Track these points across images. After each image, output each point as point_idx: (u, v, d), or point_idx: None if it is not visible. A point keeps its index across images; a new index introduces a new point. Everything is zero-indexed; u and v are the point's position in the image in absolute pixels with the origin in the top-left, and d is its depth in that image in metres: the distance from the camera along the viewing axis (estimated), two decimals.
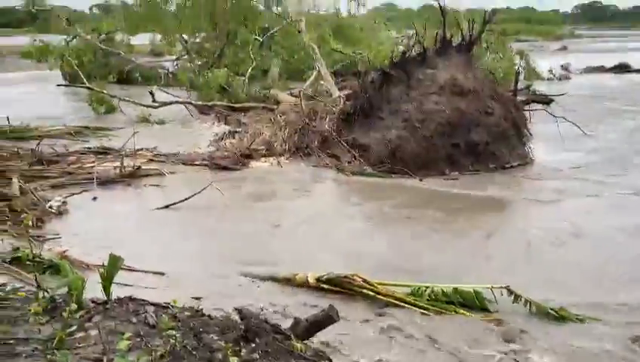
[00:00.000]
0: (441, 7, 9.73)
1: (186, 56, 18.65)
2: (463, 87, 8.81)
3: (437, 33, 9.56)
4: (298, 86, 15.23)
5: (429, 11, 19.60)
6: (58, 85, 15.46)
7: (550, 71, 21.56)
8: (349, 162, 8.83)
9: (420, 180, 8.26)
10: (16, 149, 8.65)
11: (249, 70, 14.68)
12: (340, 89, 12.53)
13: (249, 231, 6.25)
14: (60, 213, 6.62)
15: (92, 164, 8.50)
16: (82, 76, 13.82)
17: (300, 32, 14.64)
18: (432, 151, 8.54)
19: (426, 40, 9.83)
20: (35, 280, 3.51)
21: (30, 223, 6.09)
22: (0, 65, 27.83)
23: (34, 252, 4.80)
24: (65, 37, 19.27)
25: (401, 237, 6.20)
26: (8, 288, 3.34)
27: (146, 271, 4.92)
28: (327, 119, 10.06)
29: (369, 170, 8.55)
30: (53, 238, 5.81)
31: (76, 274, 3.22)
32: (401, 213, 7.00)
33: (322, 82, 13.31)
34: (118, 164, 8.26)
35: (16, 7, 79.81)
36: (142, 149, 9.30)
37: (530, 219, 7.03)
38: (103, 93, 13.48)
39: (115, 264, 3.10)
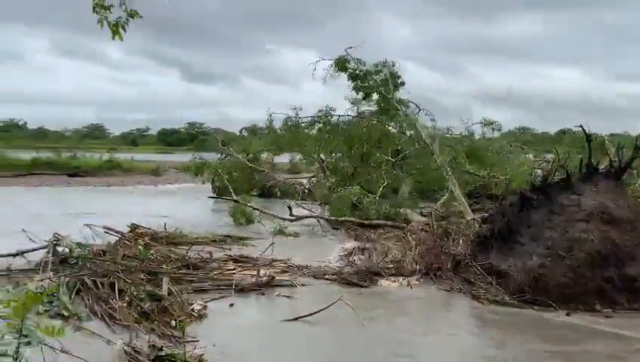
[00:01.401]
0: (585, 132, 9.38)
1: (321, 174, 19.78)
2: (614, 216, 8.13)
3: (581, 158, 9.14)
4: (428, 206, 15.23)
5: (566, 136, 18.93)
6: (209, 197, 17.15)
7: None
8: (485, 289, 8.34)
9: (567, 314, 7.48)
10: (169, 253, 9.52)
11: (380, 188, 15.07)
12: (474, 211, 12.29)
13: (375, 356, 6.03)
14: (200, 316, 7.01)
15: (232, 271, 9.03)
16: (230, 189, 15.20)
17: (432, 153, 14.91)
18: (579, 284, 7.77)
19: (568, 165, 9.43)
20: None
21: (174, 324, 6.54)
22: (163, 178, 31.90)
23: (175, 353, 5.10)
24: (219, 155, 21.67)
25: None
26: None
27: None
28: (461, 241, 9.81)
29: (508, 299, 7.97)
30: (192, 341, 6.10)
31: None
32: (550, 353, 6.27)
33: (455, 203, 13.16)
34: (254, 272, 8.69)
35: (180, 129, 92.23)
36: (277, 260, 9.73)
37: None
38: (247, 206, 14.60)
39: None
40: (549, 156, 14.40)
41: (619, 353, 6.29)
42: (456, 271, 9.02)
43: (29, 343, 2.92)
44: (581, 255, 7.83)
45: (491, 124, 19.80)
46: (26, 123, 76.30)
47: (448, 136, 19.47)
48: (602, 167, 8.96)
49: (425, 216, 13.57)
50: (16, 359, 2.87)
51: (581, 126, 9.51)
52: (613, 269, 7.78)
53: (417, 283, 9.05)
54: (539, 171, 13.57)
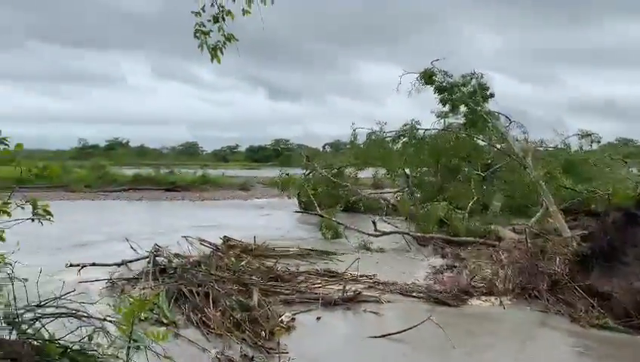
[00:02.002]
0: None
1: (406, 189, 19.52)
2: None
3: None
4: (521, 222, 14.52)
5: None
6: (295, 211, 17.50)
7: None
8: (585, 311, 7.79)
9: None
10: (258, 266, 9.83)
11: (469, 204, 14.61)
12: (571, 228, 11.57)
13: None
14: (289, 328, 7.15)
15: (318, 285, 9.14)
16: (315, 204, 15.41)
17: (525, 167, 14.24)
18: None
19: None
20: None
21: (264, 334, 6.73)
22: (251, 193, 33.08)
23: None
24: (303, 170, 22.09)
25: None
26: None
27: None
28: (558, 260, 9.24)
29: (612, 324, 7.38)
30: (283, 353, 6.23)
31: None
32: None
33: (550, 219, 12.46)
34: (340, 287, 8.73)
35: (267, 146, 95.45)
36: (362, 275, 9.71)
37: None
38: (331, 220, 14.75)
39: None
40: None
41: None
42: (552, 292, 8.52)
43: (138, 347, 3.14)
44: None
45: (589, 135, 18.63)
46: (128, 141, 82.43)
47: (542, 149, 18.52)
48: None
49: (518, 232, 12.95)
50: None
51: None
52: None
53: (510, 303, 8.65)
54: None
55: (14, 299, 4.05)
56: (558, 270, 8.86)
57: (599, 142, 19.62)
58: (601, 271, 8.12)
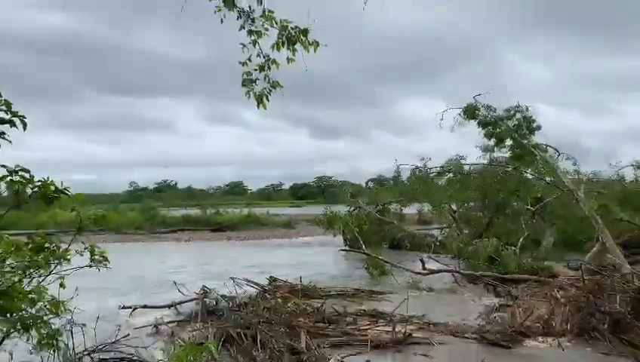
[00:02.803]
0: None
1: (453, 225, 19.16)
2: None
3: None
4: (576, 258, 13.93)
5: None
6: (341, 249, 17.43)
7: None
8: None
9: None
10: (305, 307, 9.77)
11: (520, 240, 14.16)
12: (630, 263, 11.01)
13: None
14: None
15: (367, 327, 8.97)
16: (360, 242, 15.31)
17: (577, 200, 13.75)
18: None
19: None
20: None
21: None
22: (296, 231, 33.24)
23: None
24: (348, 207, 22.09)
25: None
26: None
27: None
28: (618, 298, 8.76)
29: None
30: None
31: None
32: None
33: (608, 255, 11.89)
34: (389, 328, 8.54)
35: (310, 183, 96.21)
36: (412, 316, 9.47)
37: None
38: (377, 258, 14.58)
39: None
40: None
41: None
42: (614, 332, 8.05)
43: None
44: None
45: None
46: (176, 183, 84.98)
47: (594, 180, 17.88)
48: None
49: (573, 269, 12.42)
50: None
51: None
52: None
53: (569, 344, 8.22)
54: None
55: (73, 343, 4.19)
56: (620, 308, 8.39)
57: None
58: None
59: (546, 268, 12.80)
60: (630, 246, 14.04)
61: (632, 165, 18.28)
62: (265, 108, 5.31)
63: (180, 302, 10.26)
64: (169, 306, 10.11)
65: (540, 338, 8.47)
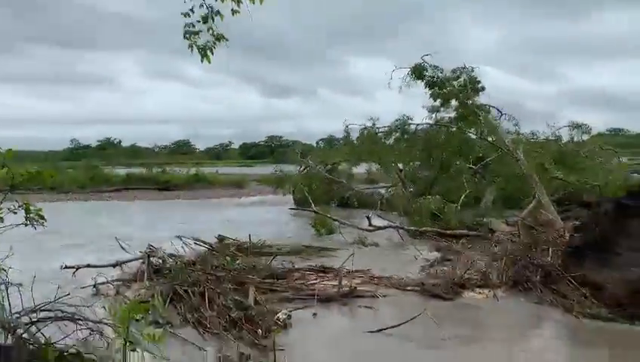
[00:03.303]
0: None
1: (400, 184, 19.60)
2: None
3: None
4: (514, 214, 14.63)
5: None
6: (290, 208, 17.52)
7: None
8: (577, 302, 7.87)
9: None
10: (254, 263, 9.84)
11: (462, 197, 14.68)
12: (563, 219, 11.67)
13: None
14: (285, 325, 7.17)
15: (314, 282, 9.17)
16: (310, 201, 15.44)
17: (517, 160, 14.32)
18: None
19: None
20: None
21: (261, 332, 6.75)
22: (246, 191, 33.06)
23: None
24: (298, 167, 22.12)
25: None
26: None
27: None
28: (550, 251, 9.33)
29: (604, 314, 7.46)
30: (279, 350, 6.24)
31: None
32: None
33: (542, 211, 12.55)
34: (336, 283, 8.76)
35: (260, 143, 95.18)
36: (358, 271, 9.75)
37: None
38: (326, 216, 14.78)
39: None
40: None
41: None
42: (546, 283, 8.60)
43: (134, 349, 3.16)
44: None
45: (580, 126, 18.74)
46: (120, 141, 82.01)
47: (533, 141, 18.62)
48: None
49: (511, 225, 13.05)
50: None
51: None
52: None
53: (504, 295, 8.72)
54: (635, 175, 12.60)
55: (9, 304, 4.06)
56: (551, 261, 8.94)
57: (589, 132, 19.77)
58: (594, 262, 8.19)
59: (486, 224, 13.38)
60: (563, 202, 14.81)
61: (568, 126, 19.15)
62: (209, 62, 5.17)
63: (126, 261, 10.07)
64: (114, 265, 9.92)
65: (478, 290, 8.93)
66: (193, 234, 11.77)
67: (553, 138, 19.00)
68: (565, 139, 19.47)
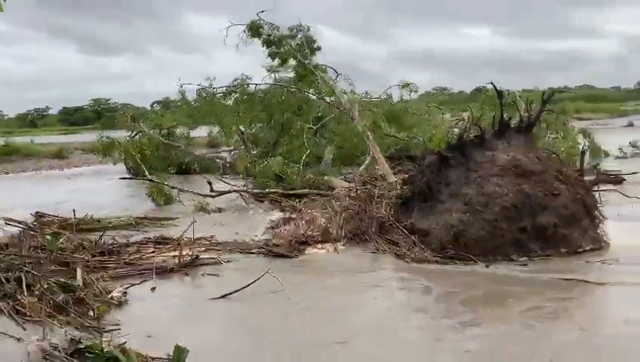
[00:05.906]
0: (496, 88, 9.69)
1: (242, 147, 19.31)
2: (525, 169, 8.50)
3: (494, 115, 9.44)
4: (351, 171, 15.32)
5: (481, 94, 19.66)
6: (121, 178, 16.20)
7: (620, 149, 20.75)
8: (408, 248, 8.51)
9: (487, 266, 7.81)
10: (81, 241, 8.88)
11: (303, 157, 14.93)
12: (395, 173, 12.46)
13: (305, 323, 5.98)
14: (120, 303, 6.61)
15: (151, 254, 8.59)
16: (144, 169, 14.42)
17: (353, 119, 14.90)
18: (497, 236, 8.11)
19: (483, 122, 9.76)
20: None
21: (93, 314, 6.11)
22: (69, 161, 29.91)
23: (94, 344, 4.75)
24: (129, 133, 20.49)
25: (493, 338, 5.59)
26: None
27: None
28: (384, 204, 9.91)
29: (430, 257, 8.17)
30: (113, 330, 5.73)
31: None
32: (477, 306, 6.52)
33: (377, 167, 13.29)
34: (176, 253, 8.30)
35: (84, 107, 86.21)
36: (200, 238, 9.36)
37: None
38: (163, 184, 13.95)
39: (180, 356, 2.94)
40: (465, 114, 14.81)
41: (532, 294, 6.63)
42: (380, 234, 9.14)
43: None
44: (497, 208, 8.15)
45: (408, 85, 20.09)
46: None
47: (367, 100, 19.55)
48: (514, 122, 9.30)
49: (349, 181, 13.62)
50: None
51: (492, 83, 9.83)
52: (526, 220, 8.17)
53: (344, 248, 9.09)
54: (455, 130, 13.93)
55: None
56: (385, 213, 9.51)
57: (417, 91, 21.30)
58: (421, 211, 8.90)
59: (326, 182, 13.79)
60: (395, 158, 15.83)
61: (398, 85, 20.40)
62: (1, 10, 4.41)
63: None
64: None
65: (319, 246, 9.18)
66: (3, 214, 10.25)
67: (385, 97, 20.12)
68: (396, 98, 20.79)
